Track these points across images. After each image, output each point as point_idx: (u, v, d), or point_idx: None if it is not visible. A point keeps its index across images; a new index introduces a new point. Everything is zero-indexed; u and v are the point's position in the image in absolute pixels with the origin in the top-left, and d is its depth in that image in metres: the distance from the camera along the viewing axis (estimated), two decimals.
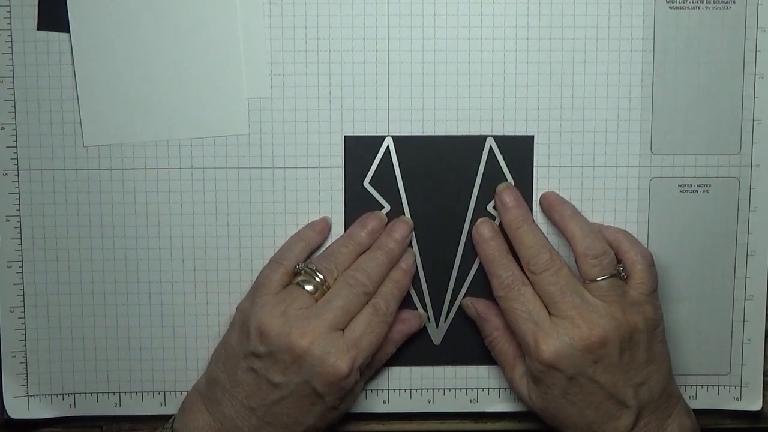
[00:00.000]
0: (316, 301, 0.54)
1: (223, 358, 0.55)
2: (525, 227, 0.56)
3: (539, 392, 0.55)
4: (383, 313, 0.55)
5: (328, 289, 0.55)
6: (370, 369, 0.58)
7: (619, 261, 0.56)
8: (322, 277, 0.55)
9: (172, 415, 0.59)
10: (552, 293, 0.54)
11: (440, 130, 0.58)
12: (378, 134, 0.58)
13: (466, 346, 0.60)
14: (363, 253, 0.57)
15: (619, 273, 0.55)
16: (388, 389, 0.60)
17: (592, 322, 0.53)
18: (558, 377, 0.53)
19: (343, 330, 0.54)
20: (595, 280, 0.54)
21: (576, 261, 0.55)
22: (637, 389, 0.54)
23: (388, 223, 0.58)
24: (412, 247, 0.59)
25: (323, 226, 0.58)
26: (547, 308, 0.54)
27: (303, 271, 0.55)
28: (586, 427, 0.54)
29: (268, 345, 0.53)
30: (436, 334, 0.60)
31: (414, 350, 0.60)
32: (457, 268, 0.59)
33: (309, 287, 0.55)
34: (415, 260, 0.58)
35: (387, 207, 0.59)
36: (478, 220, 0.58)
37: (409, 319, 0.59)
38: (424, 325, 0.60)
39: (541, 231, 0.57)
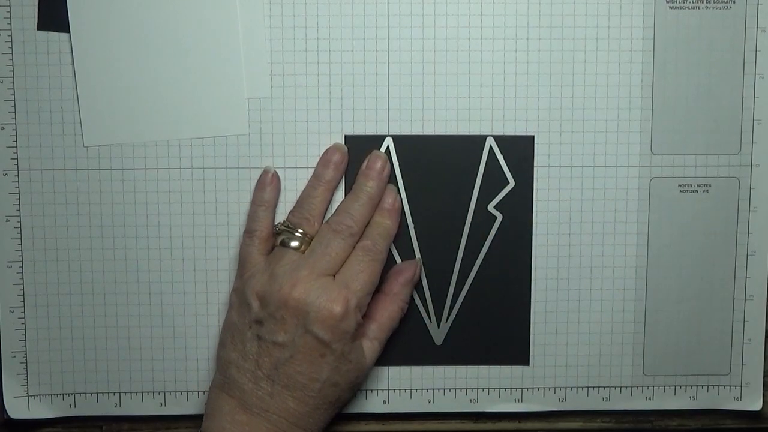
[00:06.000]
0: (303, 254, 0.55)
1: (230, 339, 0.55)
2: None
3: None
4: (371, 251, 0.55)
5: (312, 239, 0.55)
6: (384, 330, 0.57)
7: None
8: (302, 230, 0.55)
9: (172, 415, 0.59)
10: None
11: (440, 130, 0.58)
12: (378, 134, 0.58)
13: (467, 346, 0.60)
14: (334, 189, 0.57)
15: None
16: (388, 389, 0.60)
17: None
18: None
19: (334, 276, 0.54)
20: None
21: None
22: None
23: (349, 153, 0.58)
24: (399, 192, 0.58)
25: (269, 180, 0.58)
26: None
27: (282, 231, 0.56)
28: None
29: (266, 307, 0.53)
30: (438, 335, 0.60)
31: (415, 350, 0.60)
32: (458, 268, 0.59)
33: (294, 243, 0.55)
34: (398, 195, 0.58)
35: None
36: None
37: (404, 267, 0.59)
38: (426, 326, 0.60)
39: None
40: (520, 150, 0.59)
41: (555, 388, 0.61)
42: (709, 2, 0.58)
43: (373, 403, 0.60)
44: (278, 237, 0.56)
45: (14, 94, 0.57)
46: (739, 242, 0.60)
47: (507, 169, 0.59)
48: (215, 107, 0.58)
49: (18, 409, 0.60)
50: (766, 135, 0.59)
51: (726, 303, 0.60)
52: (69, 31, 0.57)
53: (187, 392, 0.60)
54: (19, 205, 0.58)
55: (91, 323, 0.59)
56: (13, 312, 0.59)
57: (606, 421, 0.62)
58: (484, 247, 0.59)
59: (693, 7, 0.58)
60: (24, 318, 0.59)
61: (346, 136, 0.58)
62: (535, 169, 0.59)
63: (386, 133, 0.58)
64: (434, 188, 0.59)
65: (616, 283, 0.60)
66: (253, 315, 0.54)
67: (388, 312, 0.57)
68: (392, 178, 0.59)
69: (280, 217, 0.58)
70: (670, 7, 0.58)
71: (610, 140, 0.59)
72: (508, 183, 0.59)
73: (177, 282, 0.59)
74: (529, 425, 0.61)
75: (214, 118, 0.58)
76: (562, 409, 0.61)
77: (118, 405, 0.60)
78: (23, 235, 0.59)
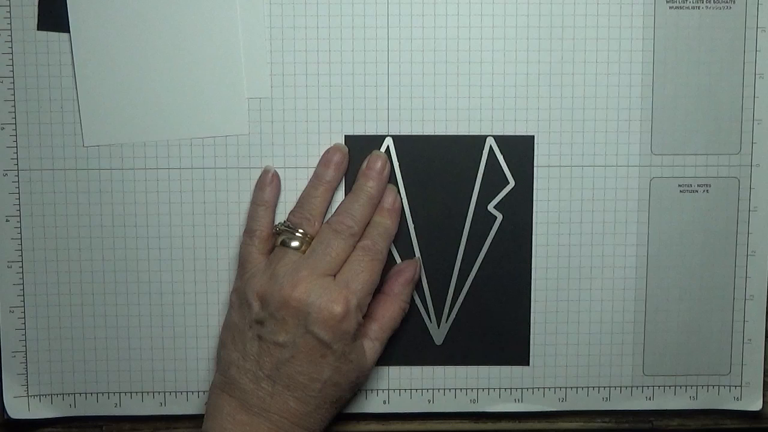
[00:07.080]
0: (304, 254, 0.55)
1: (231, 339, 0.55)
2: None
3: None
4: (371, 251, 0.55)
5: (312, 239, 0.55)
6: (385, 330, 0.58)
7: None
8: (302, 230, 0.55)
9: (172, 415, 0.59)
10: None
11: (440, 130, 0.58)
12: (378, 134, 0.58)
13: (467, 346, 0.60)
14: (334, 190, 0.57)
15: None
16: (388, 389, 0.60)
17: None
18: None
19: (334, 276, 0.54)
20: None
21: None
22: None
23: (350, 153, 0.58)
24: (397, 187, 0.58)
25: (269, 179, 0.58)
26: None
27: (283, 231, 0.56)
28: None
29: (266, 307, 0.53)
30: (438, 334, 0.60)
31: (415, 350, 0.60)
32: (458, 268, 0.59)
33: (294, 243, 0.55)
34: (399, 194, 0.58)
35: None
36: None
37: (404, 267, 0.59)
38: (426, 326, 0.60)
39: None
40: (520, 150, 0.59)
41: (555, 388, 0.61)
42: (709, 2, 0.58)
43: (373, 403, 0.60)
44: (279, 237, 0.56)
45: (14, 94, 0.57)
46: (739, 242, 0.60)
47: (507, 169, 0.59)
48: (215, 107, 0.58)
49: (18, 409, 0.59)
50: (766, 135, 0.59)
51: (726, 303, 0.60)
52: (69, 31, 0.57)
53: (187, 392, 0.60)
54: (19, 205, 0.58)
55: (91, 323, 0.59)
56: (13, 312, 0.59)
57: (606, 421, 0.62)
58: (484, 247, 0.59)
59: (693, 7, 0.58)
60: (24, 318, 0.59)
61: (346, 136, 0.58)
62: (535, 169, 0.59)
63: (386, 133, 0.58)
64: (434, 188, 0.59)
65: (616, 283, 0.60)
66: (253, 315, 0.54)
67: (389, 312, 0.57)
68: (392, 178, 0.59)
69: (281, 217, 0.58)
70: (670, 7, 0.58)
71: (610, 140, 0.59)
72: (508, 183, 0.59)
73: (177, 282, 0.59)
74: (529, 425, 0.61)
75: (214, 118, 0.58)
76: (562, 409, 0.61)
77: (118, 405, 0.60)
78: (23, 235, 0.59)
